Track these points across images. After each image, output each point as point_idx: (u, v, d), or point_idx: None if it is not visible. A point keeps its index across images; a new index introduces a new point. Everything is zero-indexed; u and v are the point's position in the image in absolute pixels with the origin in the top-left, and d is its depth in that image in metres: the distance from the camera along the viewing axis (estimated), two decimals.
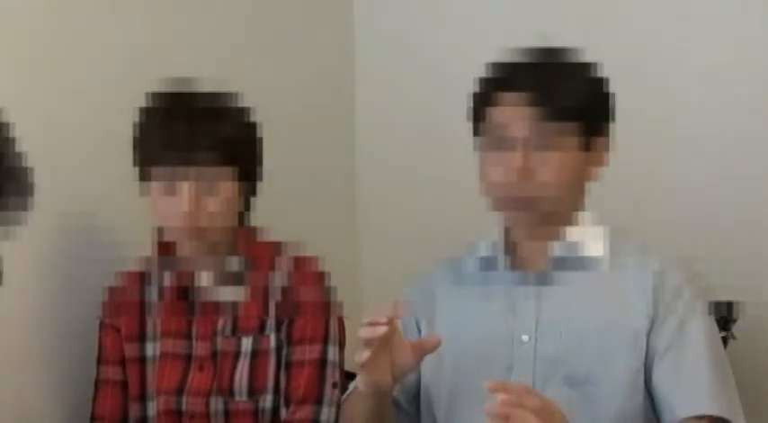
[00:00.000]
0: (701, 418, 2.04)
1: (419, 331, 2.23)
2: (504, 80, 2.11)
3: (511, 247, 2.19)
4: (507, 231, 2.18)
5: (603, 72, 2.14)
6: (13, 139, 1.77)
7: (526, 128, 2.07)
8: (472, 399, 2.14)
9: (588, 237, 2.15)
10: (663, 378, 2.07)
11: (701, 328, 2.10)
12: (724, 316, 2.63)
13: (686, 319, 2.09)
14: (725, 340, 2.61)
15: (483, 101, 2.12)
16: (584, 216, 2.17)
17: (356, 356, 2.01)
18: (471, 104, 2.15)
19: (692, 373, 2.06)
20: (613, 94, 2.15)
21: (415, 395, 2.24)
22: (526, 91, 2.07)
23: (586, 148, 2.11)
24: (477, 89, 2.15)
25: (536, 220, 2.12)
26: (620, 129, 2.62)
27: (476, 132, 2.14)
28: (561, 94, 2.08)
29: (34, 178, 1.77)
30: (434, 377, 2.20)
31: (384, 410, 2.14)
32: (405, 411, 2.24)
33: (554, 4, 3.08)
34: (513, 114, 2.08)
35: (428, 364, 2.20)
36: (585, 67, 2.14)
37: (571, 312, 2.11)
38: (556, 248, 2.15)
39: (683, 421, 2.05)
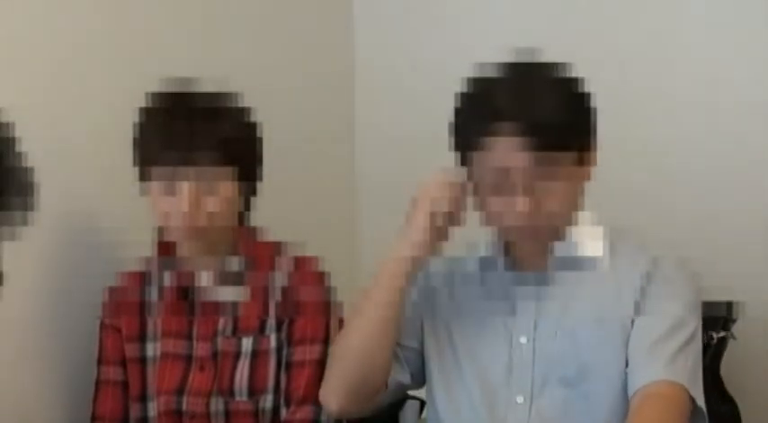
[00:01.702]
0: (657, 382, 2.04)
1: (422, 329, 2.24)
2: (495, 115, 2.05)
3: (508, 248, 2.19)
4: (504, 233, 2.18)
5: (589, 73, 2.13)
6: (14, 139, 1.77)
7: (525, 171, 2.04)
8: (471, 399, 2.15)
9: (587, 237, 2.15)
10: (630, 353, 2.08)
11: (677, 311, 2.09)
12: (724, 316, 2.62)
13: (663, 305, 2.09)
14: (725, 340, 2.61)
15: (475, 134, 2.07)
16: (583, 216, 2.17)
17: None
18: (456, 131, 2.12)
19: (655, 346, 2.06)
20: (595, 109, 2.14)
21: (419, 367, 2.24)
22: (519, 136, 2.03)
23: (580, 163, 2.10)
24: (461, 122, 2.11)
25: (539, 239, 2.13)
26: (620, 129, 2.63)
27: (463, 161, 2.11)
28: (555, 130, 2.05)
29: (35, 178, 1.77)
30: (436, 375, 2.21)
31: (399, 312, 2.15)
32: (401, 366, 2.23)
33: (556, 4, 3.08)
34: (511, 159, 2.05)
35: (431, 362, 2.21)
36: (568, 83, 2.10)
37: (567, 313, 2.12)
38: (555, 249, 2.15)
39: (640, 389, 2.05)
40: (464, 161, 2.12)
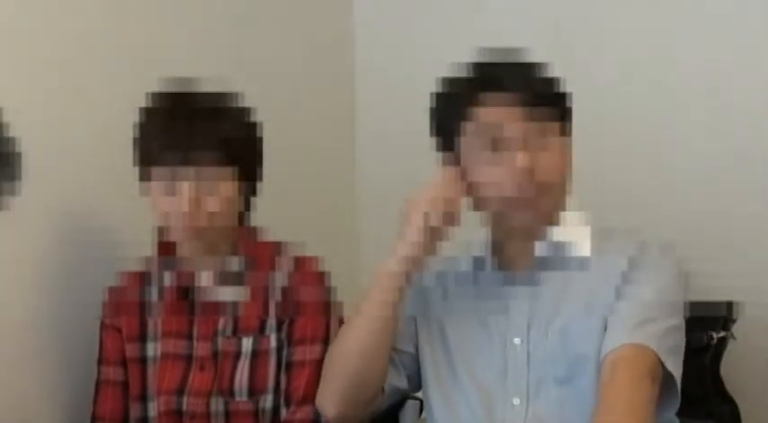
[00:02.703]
0: (621, 347, 2.04)
1: (416, 332, 2.24)
2: (490, 80, 2.10)
3: (496, 247, 2.19)
4: (494, 231, 2.18)
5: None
6: (4, 125, 1.77)
7: (523, 127, 2.08)
8: (468, 402, 2.15)
9: (574, 236, 2.15)
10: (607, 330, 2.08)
11: (653, 293, 2.09)
12: (724, 316, 2.62)
13: (641, 281, 2.09)
14: (725, 340, 2.61)
15: (466, 101, 2.11)
16: (569, 216, 2.17)
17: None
18: (444, 105, 2.15)
19: (626, 318, 2.06)
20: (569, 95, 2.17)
21: (415, 371, 2.24)
22: (514, 91, 2.08)
23: (564, 134, 2.13)
24: (450, 89, 2.14)
25: (533, 217, 2.12)
26: (619, 129, 2.63)
27: (446, 133, 2.13)
28: (542, 89, 2.11)
29: (23, 163, 1.77)
30: (432, 378, 2.21)
31: (396, 316, 2.15)
32: (398, 370, 2.23)
33: (553, 5, 3.08)
34: (507, 114, 2.08)
35: (426, 365, 2.21)
36: (535, 63, 2.15)
37: (557, 311, 2.12)
38: (541, 248, 2.14)
39: (606, 356, 2.04)
40: (450, 146, 2.13)
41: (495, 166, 2.09)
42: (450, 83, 2.15)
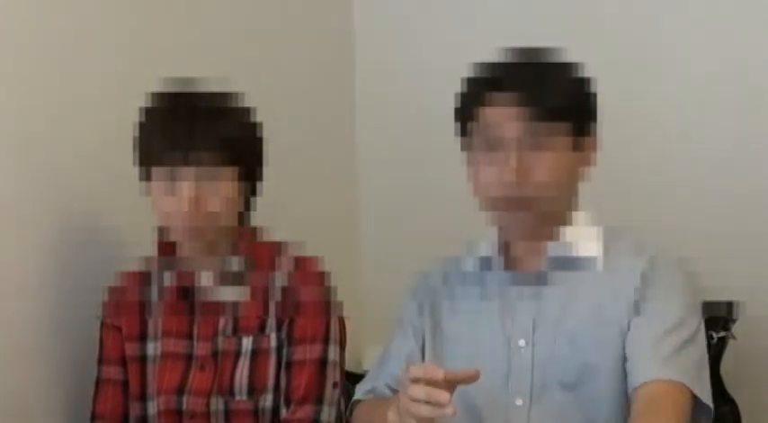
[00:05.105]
0: (657, 382, 2.02)
1: (422, 328, 2.23)
2: (495, 80, 2.09)
3: (505, 247, 2.19)
4: (501, 231, 2.18)
5: (589, 72, 2.14)
6: None
7: (519, 128, 2.07)
8: (470, 402, 2.14)
9: (583, 237, 2.14)
10: (630, 351, 2.06)
11: (675, 311, 2.07)
12: (724, 316, 2.63)
13: (662, 305, 2.07)
14: (725, 340, 2.62)
15: (473, 100, 2.11)
16: (579, 216, 2.16)
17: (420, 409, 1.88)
18: (459, 104, 2.14)
19: (655, 344, 2.04)
20: (595, 94, 2.14)
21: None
22: (517, 91, 2.07)
23: (575, 148, 2.10)
24: (465, 89, 2.14)
25: (530, 220, 2.11)
26: (620, 129, 2.61)
27: (464, 132, 2.13)
28: (551, 95, 2.08)
29: None
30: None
31: None
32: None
33: (555, 3, 3.08)
34: (506, 115, 2.07)
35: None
36: (571, 66, 2.13)
37: (565, 314, 2.11)
38: (551, 249, 2.14)
39: (640, 387, 2.03)
40: (463, 131, 2.12)
41: (489, 165, 2.09)
42: (468, 82, 2.14)
